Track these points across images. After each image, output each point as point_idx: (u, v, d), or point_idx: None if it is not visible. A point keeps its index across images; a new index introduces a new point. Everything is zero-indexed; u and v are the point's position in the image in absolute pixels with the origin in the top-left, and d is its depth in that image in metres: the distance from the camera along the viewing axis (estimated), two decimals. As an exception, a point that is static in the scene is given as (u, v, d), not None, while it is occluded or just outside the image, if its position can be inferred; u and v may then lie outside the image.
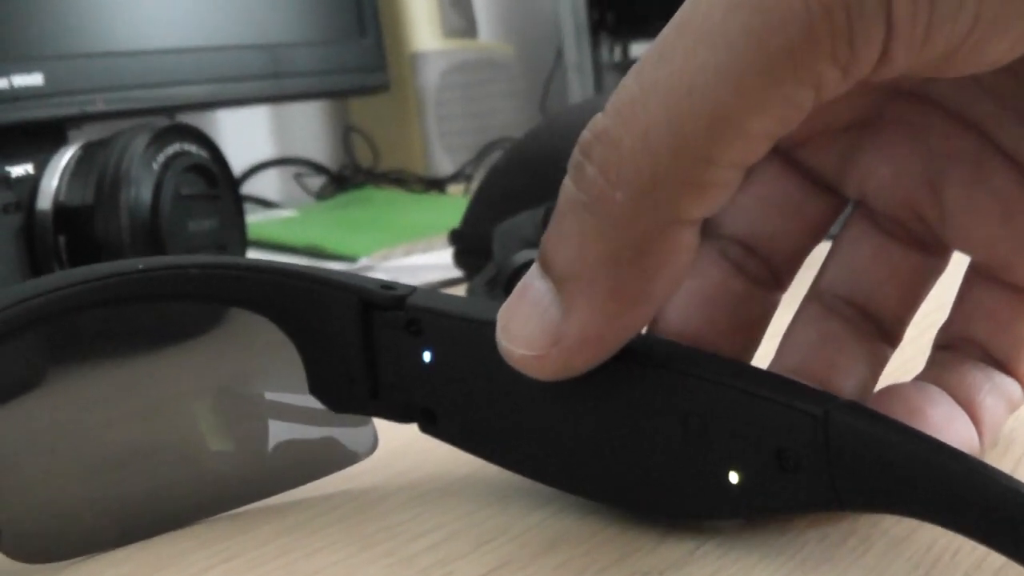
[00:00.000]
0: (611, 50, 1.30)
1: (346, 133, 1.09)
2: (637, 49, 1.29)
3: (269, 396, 0.28)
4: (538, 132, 0.55)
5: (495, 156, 1.00)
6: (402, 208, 0.86)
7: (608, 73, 1.29)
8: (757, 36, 0.19)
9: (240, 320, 0.26)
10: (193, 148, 0.47)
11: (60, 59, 0.58)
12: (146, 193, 0.45)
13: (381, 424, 0.28)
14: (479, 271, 0.46)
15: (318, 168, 1.04)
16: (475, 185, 0.71)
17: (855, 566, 0.22)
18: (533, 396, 0.24)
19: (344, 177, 1.03)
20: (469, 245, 0.52)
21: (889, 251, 0.26)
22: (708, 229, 0.26)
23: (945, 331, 0.26)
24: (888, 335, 0.26)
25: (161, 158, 0.46)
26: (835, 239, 0.27)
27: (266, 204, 0.94)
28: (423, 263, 0.65)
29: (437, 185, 1.02)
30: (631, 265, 0.21)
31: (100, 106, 0.60)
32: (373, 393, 0.26)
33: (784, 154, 0.26)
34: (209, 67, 0.68)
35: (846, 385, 0.25)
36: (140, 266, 0.25)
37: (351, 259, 0.65)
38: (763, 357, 0.26)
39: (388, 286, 0.26)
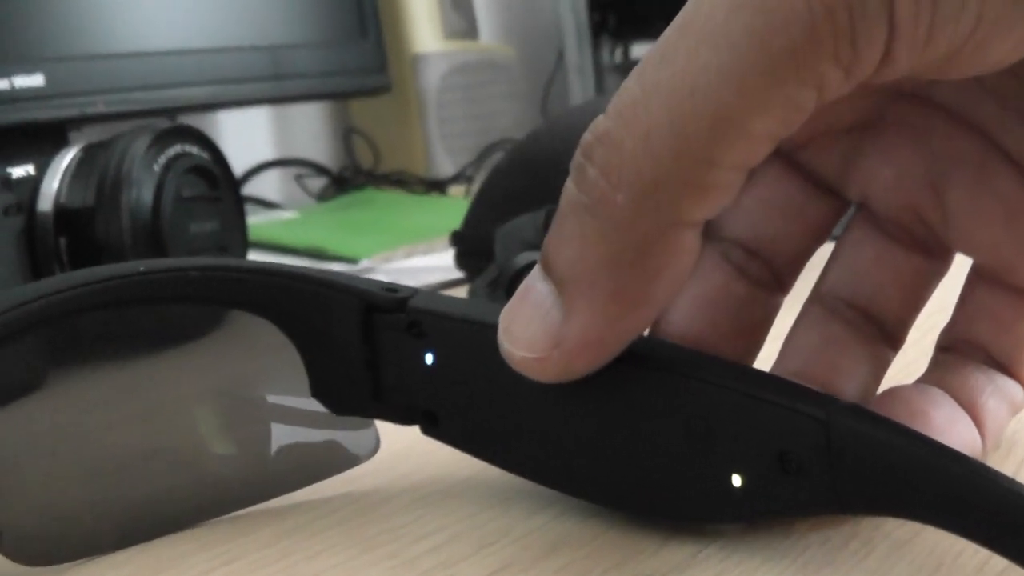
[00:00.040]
0: (612, 52, 1.30)
1: (347, 134, 1.09)
2: (638, 50, 1.29)
3: (270, 398, 0.28)
4: (539, 134, 0.55)
5: (496, 157, 1.00)
6: (403, 210, 0.86)
7: (609, 75, 1.29)
8: (759, 36, 0.19)
9: (241, 322, 0.26)
10: (194, 150, 0.47)
11: (61, 60, 0.58)
12: (147, 195, 0.45)
13: (383, 426, 0.28)
14: (480, 273, 0.46)
15: (319, 169, 1.04)
16: (476, 186, 0.71)
17: (857, 569, 0.22)
18: (535, 398, 0.24)
19: (345, 178, 1.03)
20: (470, 247, 0.52)
21: (891, 254, 0.26)
22: (710, 232, 0.26)
23: (947, 333, 0.26)
24: (890, 338, 0.26)
25: (162, 160, 0.46)
26: (837, 242, 0.27)
27: (267, 205, 0.94)
28: (424, 265, 0.65)
29: (438, 186, 1.02)
30: (632, 267, 0.21)
31: (101, 108, 0.60)
32: (375, 395, 0.26)
33: (786, 156, 0.26)
34: (210, 69, 0.68)
35: (848, 388, 0.25)
36: (141, 268, 0.25)
37: (352, 261, 0.65)
38: (765, 360, 0.26)
39: (390, 288, 0.26)
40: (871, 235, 0.26)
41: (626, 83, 0.21)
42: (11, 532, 0.24)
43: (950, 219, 0.25)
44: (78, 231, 0.45)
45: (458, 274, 0.56)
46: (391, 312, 0.26)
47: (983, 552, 0.19)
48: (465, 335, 0.25)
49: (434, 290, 0.31)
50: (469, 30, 1.15)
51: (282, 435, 0.28)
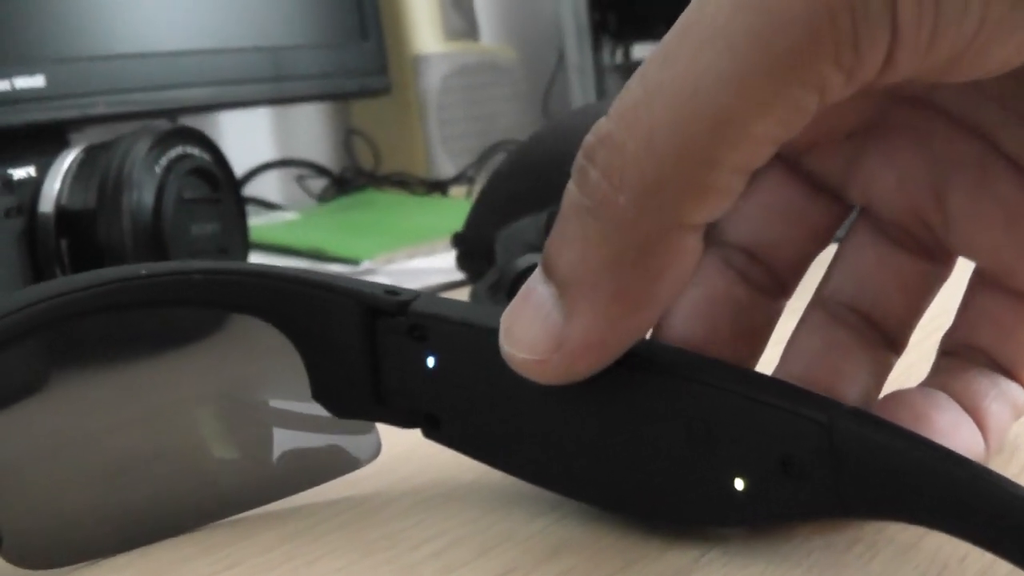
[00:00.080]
0: (613, 52, 1.30)
1: (348, 136, 1.09)
2: (639, 51, 1.29)
3: (272, 401, 0.28)
4: (541, 136, 0.54)
5: (497, 159, 1.00)
6: (404, 211, 0.86)
7: (610, 75, 1.29)
8: (762, 38, 0.19)
9: (243, 325, 0.26)
10: (195, 151, 0.47)
11: (62, 61, 0.59)
12: (148, 197, 0.45)
13: (384, 429, 0.28)
14: (482, 275, 0.46)
15: (320, 170, 1.04)
16: (477, 188, 0.71)
17: (861, 573, 0.21)
18: (537, 401, 0.24)
19: (346, 179, 1.02)
20: (472, 249, 0.52)
21: (893, 258, 0.26)
22: (712, 237, 0.26)
23: (949, 337, 0.26)
24: (892, 342, 0.26)
25: (164, 161, 0.46)
26: (839, 246, 0.27)
27: (268, 206, 0.94)
28: (426, 266, 0.64)
29: (439, 187, 1.02)
30: (634, 269, 0.21)
31: (102, 109, 0.60)
32: (376, 398, 0.26)
33: (788, 161, 0.26)
34: (211, 70, 0.68)
35: (850, 392, 0.25)
36: (143, 272, 0.25)
37: (353, 262, 0.65)
38: (767, 364, 0.26)
39: (392, 291, 0.26)
40: (873, 239, 0.26)
41: (628, 84, 0.20)
42: (12, 535, 0.24)
43: (951, 223, 0.25)
44: (79, 233, 0.45)
45: (459, 276, 0.56)
46: (393, 315, 0.26)
47: (987, 556, 0.19)
48: (467, 338, 0.25)
49: (435, 292, 0.31)
50: (470, 31, 1.15)
51: (284, 438, 0.28)
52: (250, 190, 0.95)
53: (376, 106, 1.02)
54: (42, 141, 0.56)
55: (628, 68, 1.27)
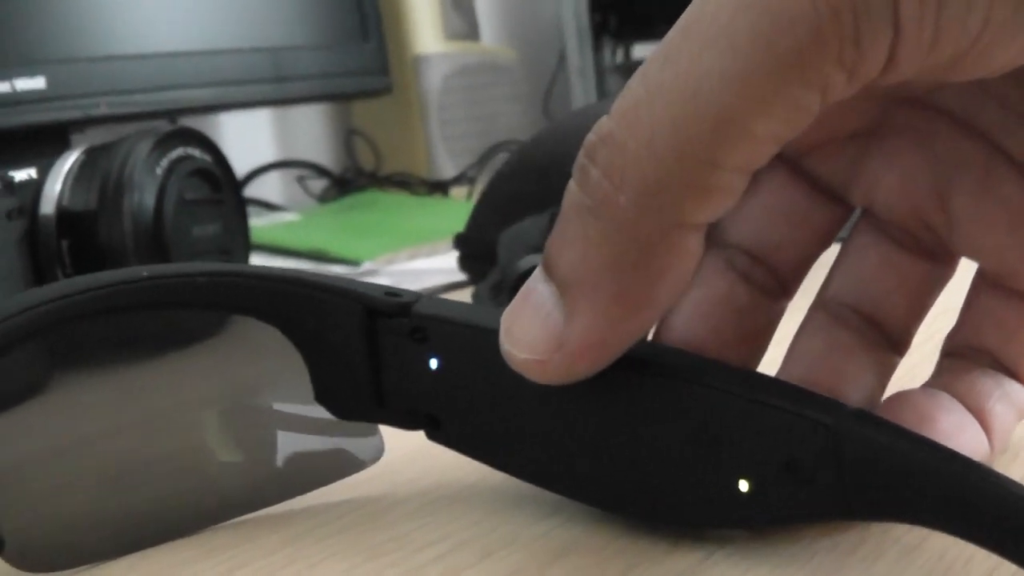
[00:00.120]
0: (614, 53, 1.30)
1: (349, 136, 1.09)
2: (640, 51, 1.29)
3: (275, 404, 0.28)
4: (543, 137, 0.54)
5: (498, 159, 1.00)
6: (406, 212, 0.86)
7: (611, 76, 1.29)
8: (764, 37, 0.19)
9: (246, 328, 0.26)
10: (197, 152, 0.47)
11: (63, 63, 0.58)
12: (150, 198, 0.45)
13: (388, 431, 0.27)
14: (484, 276, 0.46)
15: (321, 171, 1.04)
16: (478, 188, 0.70)
17: (866, 575, 0.21)
18: (539, 402, 0.24)
19: (347, 180, 1.02)
20: (474, 250, 0.52)
21: (896, 259, 0.26)
22: (714, 238, 0.26)
23: (953, 338, 0.26)
24: (895, 344, 0.26)
25: (165, 163, 0.46)
26: (841, 248, 0.27)
27: (269, 207, 0.94)
28: (427, 267, 0.64)
29: (440, 188, 1.02)
30: (635, 269, 0.21)
31: (103, 110, 0.60)
32: (379, 400, 0.26)
33: (791, 162, 0.26)
34: (211, 70, 0.68)
35: (853, 394, 0.25)
36: (145, 274, 0.25)
37: (355, 263, 0.65)
38: (768, 363, 0.26)
39: (393, 293, 0.26)
40: (876, 240, 0.26)
41: (630, 84, 0.20)
42: (14, 539, 0.24)
43: (954, 224, 0.25)
44: (80, 234, 0.45)
45: (461, 277, 0.56)
46: (395, 317, 0.26)
47: (993, 558, 0.19)
48: (468, 340, 0.25)
49: (437, 293, 0.31)
50: (470, 32, 1.15)
51: (286, 440, 0.28)
52: (251, 191, 0.95)
53: (377, 107, 1.02)
54: (43, 142, 0.56)
55: (629, 68, 1.27)
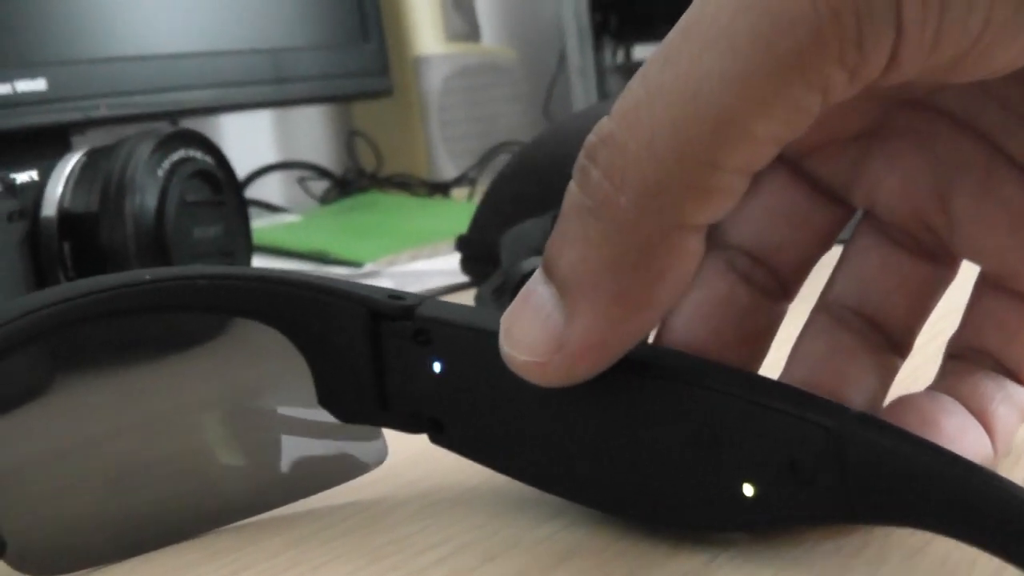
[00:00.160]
0: (614, 53, 1.30)
1: (350, 137, 1.09)
2: (640, 52, 1.29)
3: (278, 407, 0.28)
4: (545, 138, 0.54)
5: (499, 160, 1.00)
6: (407, 213, 0.86)
7: (611, 76, 1.29)
8: (765, 38, 0.19)
9: (247, 330, 0.26)
10: (198, 154, 0.47)
11: (63, 64, 0.58)
12: (151, 200, 0.45)
13: (391, 434, 0.27)
14: (486, 277, 0.46)
15: (322, 172, 1.04)
16: (479, 189, 0.70)
17: (869, 579, 0.21)
18: (542, 406, 0.24)
19: (348, 181, 1.03)
20: (476, 251, 0.52)
21: (898, 261, 0.26)
22: (715, 239, 0.26)
23: (955, 341, 0.26)
24: (897, 346, 0.26)
25: (166, 164, 0.46)
26: (843, 250, 0.26)
27: (270, 209, 0.94)
28: (429, 268, 0.64)
29: (441, 189, 1.02)
30: (635, 270, 0.21)
31: (104, 111, 0.60)
32: (382, 403, 0.26)
33: (792, 164, 0.26)
34: (212, 72, 0.68)
35: (856, 397, 0.25)
36: (148, 277, 0.25)
37: (356, 264, 0.65)
38: (770, 365, 0.26)
39: (397, 296, 0.26)
40: (877, 242, 0.26)
41: (630, 85, 0.20)
42: (16, 541, 0.24)
43: (956, 226, 0.25)
44: (82, 236, 0.45)
45: (463, 278, 0.56)
46: (398, 320, 0.26)
47: (996, 562, 0.19)
48: (471, 343, 0.25)
49: (439, 295, 0.31)
50: (471, 32, 1.15)
51: (290, 444, 0.28)
52: (252, 192, 0.95)
53: (377, 108, 1.02)
54: (44, 144, 0.56)
55: (629, 69, 1.27)
